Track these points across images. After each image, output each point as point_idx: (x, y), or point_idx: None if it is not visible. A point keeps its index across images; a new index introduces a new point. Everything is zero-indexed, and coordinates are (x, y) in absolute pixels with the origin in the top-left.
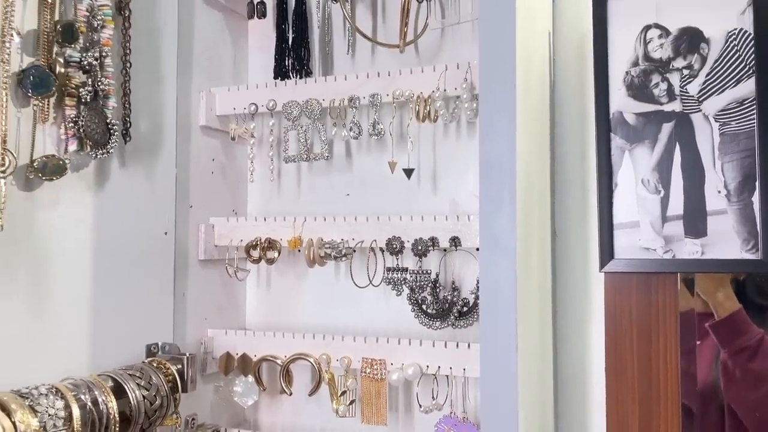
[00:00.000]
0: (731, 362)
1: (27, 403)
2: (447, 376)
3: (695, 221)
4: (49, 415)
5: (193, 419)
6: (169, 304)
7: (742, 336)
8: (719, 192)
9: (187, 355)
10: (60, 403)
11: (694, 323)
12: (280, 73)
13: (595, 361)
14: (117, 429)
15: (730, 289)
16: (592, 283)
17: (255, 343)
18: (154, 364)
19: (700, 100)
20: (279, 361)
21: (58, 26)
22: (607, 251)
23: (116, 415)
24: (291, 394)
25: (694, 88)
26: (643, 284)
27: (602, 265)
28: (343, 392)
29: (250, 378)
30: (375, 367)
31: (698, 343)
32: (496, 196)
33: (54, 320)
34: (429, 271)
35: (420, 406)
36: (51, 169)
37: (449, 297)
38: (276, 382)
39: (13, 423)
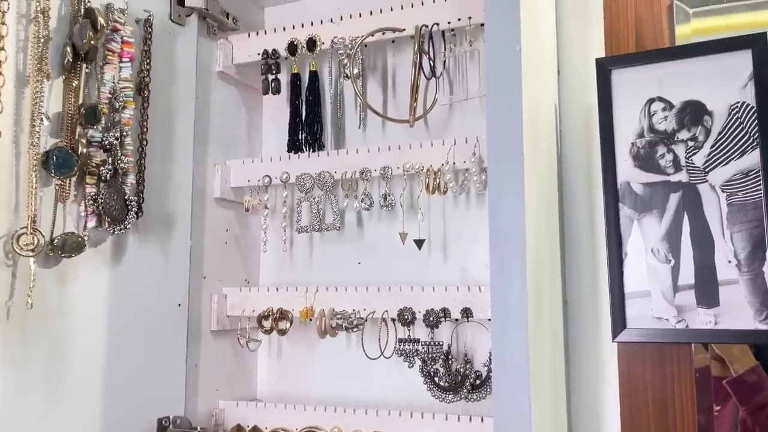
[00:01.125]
0: (750, 420)
1: None
2: None
3: (707, 291)
4: None
5: None
6: (181, 375)
7: (760, 393)
8: (729, 262)
9: (198, 429)
10: None
11: (710, 381)
12: (294, 146)
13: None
14: None
15: (745, 345)
16: (605, 352)
17: (266, 414)
18: None
19: (706, 170)
20: None
21: (82, 109)
22: (619, 321)
23: None
24: None
25: (699, 159)
26: (657, 353)
27: (615, 335)
28: None
29: None
30: None
31: (717, 408)
32: (507, 267)
33: (68, 396)
34: (441, 343)
35: None
36: (70, 246)
37: (461, 369)
38: None
39: None
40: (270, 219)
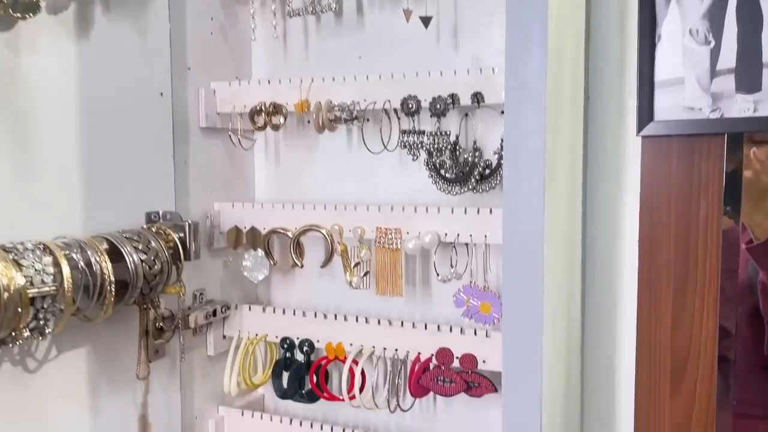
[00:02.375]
0: None
1: (10, 257)
2: (467, 244)
3: (749, 74)
4: (36, 270)
5: (201, 294)
6: (170, 172)
7: None
8: None
9: (189, 222)
10: (48, 259)
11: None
12: None
13: (627, 233)
14: (113, 291)
15: None
16: (627, 149)
17: (264, 216)
18: (154, 230)
19: None
20: (289, 234)
21: None
22: (646, 113)
23: (111, 276)
24: (302, 266)
25: None
26: (685, 149)
27: (640, 128)
28: (357, 264)
29: (260, 252)
30: (390, 236)
31: None
32: (526, 38)
33: (41, 180)
34: (448, 133)
35: (438, 275)
36: (23, 4)
37: (470, 158)
38: (287, 258)
39: None
40: (258, 4)
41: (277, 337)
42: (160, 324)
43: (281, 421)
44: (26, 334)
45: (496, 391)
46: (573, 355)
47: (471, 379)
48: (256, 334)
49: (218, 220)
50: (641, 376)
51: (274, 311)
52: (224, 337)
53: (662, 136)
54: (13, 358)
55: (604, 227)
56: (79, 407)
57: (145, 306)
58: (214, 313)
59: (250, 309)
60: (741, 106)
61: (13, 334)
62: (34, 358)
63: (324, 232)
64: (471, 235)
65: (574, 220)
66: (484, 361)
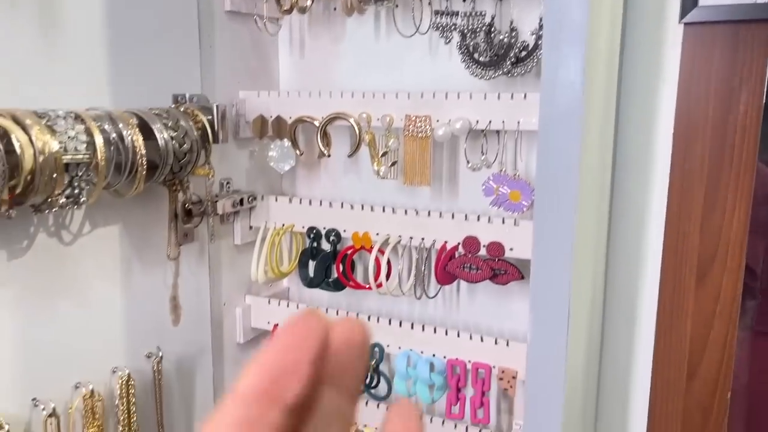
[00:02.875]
0: None
1: (44, 122)
2: (498, 131)
3: None
4: (69, 137)
5: (228, 183)
6: (195, 56)
7: None
8: None
9: (217, 105)
10: (80, 128)
11: None
12: None
13: (662, 124)
14: (144, 165)
15: None
16: (668, 36)
17: (290, 104)
18: (182, 109)
19: None
20: (316, 123)
21: None
22: None
23: (142, 150)
24: (329, 155)
25: None
26: (729, 36)
27: (683, 14)
28: (384, 153)
29: (286, 142)
30: (419, 124)
31: None
32: None
33: (70, 53)
34: (483, 13)
35: (468, 162)
36: None
37: (506, 40)
38: (313, 150)
39: (30, 139)
40: None
41: (303, 227)
42: (189, 206)
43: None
44: (62, 200)
45: (522, 278)
46: (600, 245)
47: (497, 267)
48: (283, 224)
49: (243, 109)
50: (667, 268)
51: (300, 202)
52: (251, 227)
53: (706, 23)
54: (48, 229)
55: (640, 117)
56: (112, 284)
57: (174, 188)
58: (241, 202)
59: (276, 200)
60: None
61: (49, 200)
62: (69, 230)
63: (351, 120)
64: (503, 122)
65: (609, 107)
66: (511, 249)
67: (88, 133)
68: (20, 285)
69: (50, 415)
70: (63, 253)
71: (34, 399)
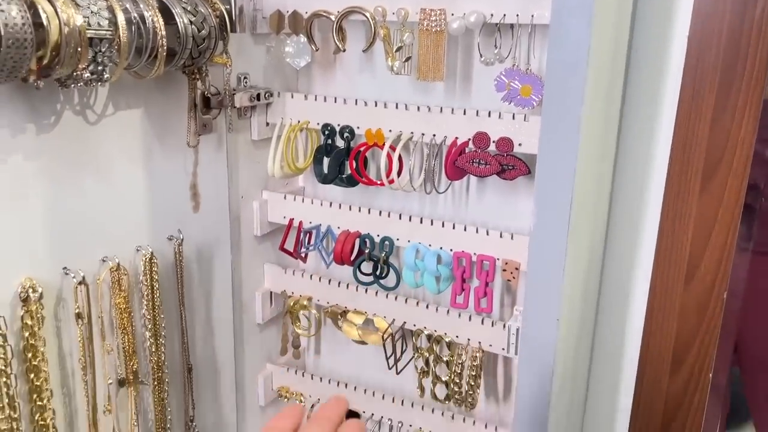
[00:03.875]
0: None
1: None
2: (512, 25)
3: None
4: (92, 11)
5: (245, 78)
6: None
7: None
8: None
9: None
10: (103, 4)
11: None
12: None
13: (678, 27)
14: (165, 47)
15: None
16: None
17: None
18: None
19: None
20: (332, 17)
21: None
22: None
23: (163, 31)
24: (344, 50)
25: None
26: None
27: None
28: (399, 48)
29: (302, 37)
30: (434, 17)
31: None
32: None
33: None
34: None
35: (481, 56)
36: None
37: None
38: (328, 48)
39: (55, 10)
40: None
41: (318, 123)
42: (209, 95)
43: (321, 204)
44: (86, 75)
45: (529, 172)
46: (608, 145)
47: (506, 162)
48: (299, 121)
49: (261, 4)
50: (673, 172)
51: (315, 99)
52: (267, 123)
53: None
54: (74, 107)
55: (655, 17)
56: (134, 165)
57: (193, 76)
58: (258, 97)
59: (292, 96)
60: None
61: (74, 74)
62: (93, 110)
63: (367, 15)
64: (518, 15)
65: (622, 4)
66: (520, 144)
67: (110, 10)
68: (48, 157)
69: (80, 283)
70: (88, 131)
71: (64, 268)
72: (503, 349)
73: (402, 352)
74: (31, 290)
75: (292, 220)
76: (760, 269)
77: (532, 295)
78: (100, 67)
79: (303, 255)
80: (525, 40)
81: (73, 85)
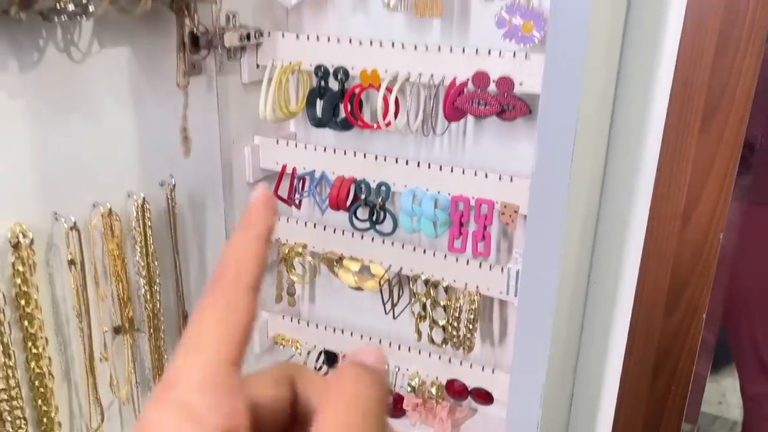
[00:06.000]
0: None
1: None
2: None
3: None
4: None
5: (234, 16)
6: None
7: None
8: None
9: None
10: None
11: None
12: None
13: None
14: None
15: None
16: None
17: None
18: None
19: None
20: None
21: None
22: None
23: None
24: None
25: None
26: None
27: None
28: None
29: None
30: None
31: None
32: None
33: None
34: None
35: None
36: None
37: None
38: None
39: None
40: None
41: (311, 65)
42: (198, 34)
43: (315, 150)
44: (71, 7)
45: (530, 112)
46: (609, 84)
47: (506, 102)
48: (290, 62)
49: None
50: (673, 113)
51: (308, 38)
52: (258, 65)
53: None
54: (58, 44)
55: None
56: (123, 107)
57: (181, 13)
58: (248, 37)
59: (283, 36)
60: None
61: (58, 6)
62: (78, 48)
63: None
64: None
65: None
66: (520, 84)
67: None
68: (32, 96)
69: (71, 229)
70: (73, 70)
71: (55, 213)
72: (501, 292)
73: (399, 298)
74: (21, 235)
75: (285, 166)
76: (752, 218)
77: (533, 237)
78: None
79: (297, 202)
80: None
81: (56, 19)
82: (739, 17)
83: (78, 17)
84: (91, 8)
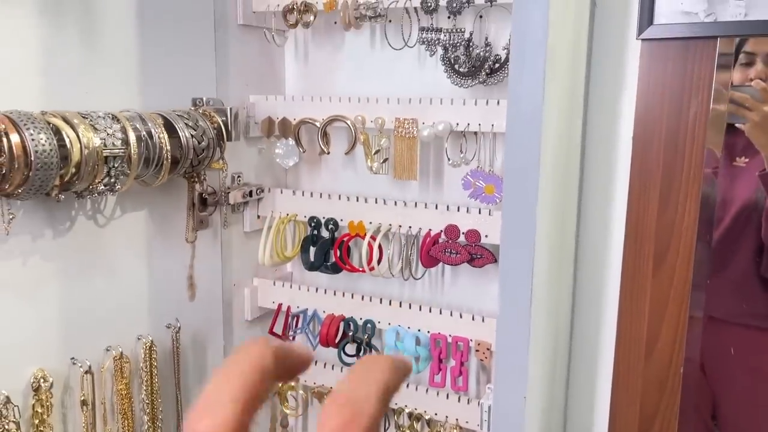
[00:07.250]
0: None
1: (87, 122)
2: (476, 132)
3: None
4: (108, 134)
5: (239, 176)
6: (212, 64)
7: None
8: None
9: (231, 108)
10: (117, 126)
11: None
12: None
13: (623, 130)
14: (169, 159)
15: None
16: (628, 51)
17: (294, 107)
18: (200, 111)
19: None
20: (317, 124)
21: None
22: (646, 17)
23: (167, 146)
24: (329, 152)
25: None
26: (680, 51)
27: (640, 32)
28: (377, 151)
29: (291, 140)
30: (407, 125)
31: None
32: None
33: (106, 60)
34: (463, 30)
35: (449, 159)
36: None
37: (481, 54)
38: (315, 147)
39: (77, 135)
40: None
41: (305, 216)
42: (206, 196)
43: (308, 290)
44: (100, 188)
45: (496, 261)
46: (568, 236)
47: (474, 251)
48: (287, 214)
49: (253, 111)
50: (628, 257)
51: (303, 194)
52: (258, 216)
53: (660, 40)
54: (87, 213)
55: (604, 122)
56: (138, 262)
57: (192, 180)
58: (251, 194)
59: (281, 192)
60: (733, 12)
61: (90, 187)
62: (103, 215)
63: (348, 122)
64: (480, 125)
65: (574, 114)
66: (486, 236)
67: (123, 131)
68: (63, 258)
69: (86, 372)
70: (98, 233)
71: (72, 358)
72: (478, 425)
73: (385, 430)
74: (42, 380)
75: (280, 305)
76: (729, 340)
77: (501, 374)
78: (113, 180)
79: (291, 338)
80: (487, 144)
81: (88, 197)
82: (676, 175)
83: (106, 193)
84: (117, 186)
